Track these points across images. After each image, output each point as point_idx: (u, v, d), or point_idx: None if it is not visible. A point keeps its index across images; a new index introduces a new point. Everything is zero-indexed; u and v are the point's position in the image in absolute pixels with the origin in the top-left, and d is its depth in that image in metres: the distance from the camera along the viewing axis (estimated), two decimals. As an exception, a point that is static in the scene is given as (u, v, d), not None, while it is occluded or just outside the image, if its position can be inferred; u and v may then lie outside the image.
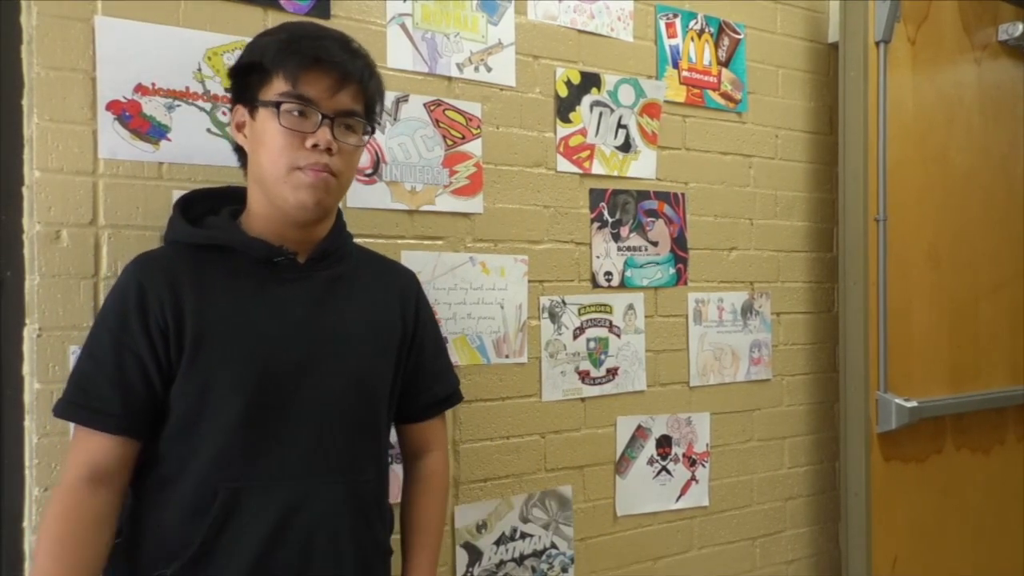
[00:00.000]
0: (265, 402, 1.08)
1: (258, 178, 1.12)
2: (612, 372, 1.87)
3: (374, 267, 1.28)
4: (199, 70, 1.38)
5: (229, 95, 1.19)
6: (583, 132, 1.84)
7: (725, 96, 2.06)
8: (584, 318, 1.84)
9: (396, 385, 1.25)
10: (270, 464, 1.08)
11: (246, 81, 1.11)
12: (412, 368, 1.28)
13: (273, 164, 1.08)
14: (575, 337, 1.82)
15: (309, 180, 1.08)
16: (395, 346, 1.23)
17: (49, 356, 1.27)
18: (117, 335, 1.05)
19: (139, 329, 1.05)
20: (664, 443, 1.96)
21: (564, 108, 1.81)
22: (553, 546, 1.79)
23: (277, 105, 1.06)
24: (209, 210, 1.19)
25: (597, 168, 1.86)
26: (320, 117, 1.08)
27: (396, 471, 1.39)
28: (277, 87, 1.07)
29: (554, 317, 1.79)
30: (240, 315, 1.09)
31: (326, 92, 1.08)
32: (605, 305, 1.87)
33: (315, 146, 1.07)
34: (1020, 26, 2.29)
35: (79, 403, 1.05)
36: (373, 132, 1.19)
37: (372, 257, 1.31)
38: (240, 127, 1.14)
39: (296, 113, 1.07)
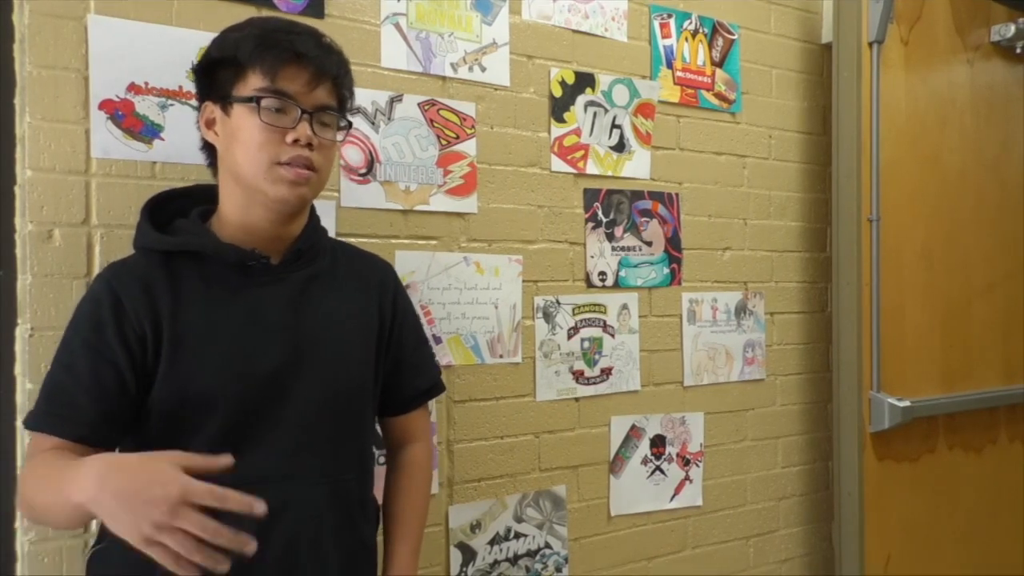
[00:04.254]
0: (245, 408, 1.07)
1: (234, 175, 1.10)
2: (606, 372, 1.87)
3: (350, 262, 1.27)
4: (192, 69, 1.38)
5: (196, 93, 1.16)
6: (577, 132, 1.84)
7: (719, 96, 2.06)
8: (578, 318, 1.84)
9: (377, 380, 1.25)
10: (251, 467, 1.06)
11: (217, 77, 1.10)
12: (393, 361, 1.27)
13: (252, 161, 1.06)
14: (569, 337, 1.82)
15: (290, 176, 1.07)
16: (374, 341, 1.23)
17: (41, 356, 1.27)
18: (93, 345, 1.03)
19: (116, 339, 1.03)
20: (658, 443, 1.96)
21: (558, 108, 1.81)
22: (547, 546, 1.79)
23: (257, 101, 1.05)
24: (177, 212, 1.17)
25: (591, 168, 1.86)
26: (299, 112, 1.07)
27: (380, 471, 1.39)
28: (254, 83, 1.06)
29: (548, 317, 1.80)
30: (217, 321, 1.08)
31: (304, 87, 1.07)
32: (599, 305, 1.87)
33: (296, 141, 1.06)
34: (1012, 27, 2.30)
35: (52, 413, 1.02)
36: (349, 127, 1.18)
37: (348, 251, 1.30)
38: (210, 124, 1.12)
39: (275, 109, 1.06)
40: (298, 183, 1.08)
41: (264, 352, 1.10)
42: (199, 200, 1.19)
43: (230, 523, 1.05)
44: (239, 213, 1.12)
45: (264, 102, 1.05)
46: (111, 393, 1.03)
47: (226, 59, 1.08)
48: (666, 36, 1.97)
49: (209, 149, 1.17)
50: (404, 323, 1.30)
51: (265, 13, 1.44)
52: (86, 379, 1.02)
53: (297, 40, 1.07)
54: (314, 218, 1.22)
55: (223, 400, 1.06)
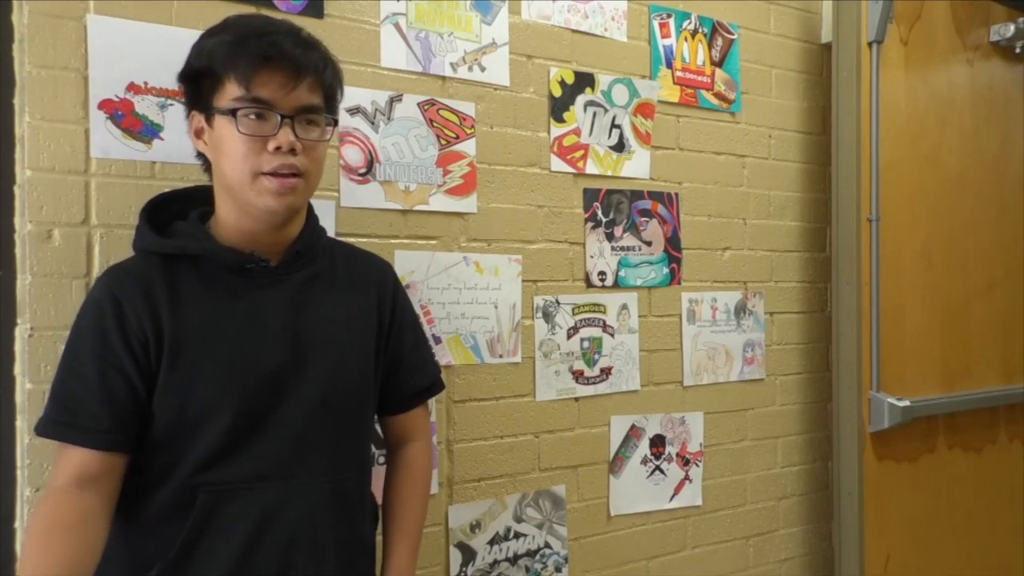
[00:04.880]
0: (245, 410, 1.07)
1: (224, 186, 1.10)
2: (606, 372, 1.87)
3: (349, 262, 1.26)
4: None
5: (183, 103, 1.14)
6: (577, 132, 1.84)
7: (719, 96, 2.06)
8: (578, 318, 1.84)
9: (377, 379, 1.25)
10: (251, 467, 1.07)
11: (198, 87, 1.08)
12: (392, 360, 1.27)
13: (237, 171, 1.05)
14: (569, 337, 1.82)
15: (275, 187, 1.05)
16: (373, 340, 1.23)
17: (41, 356, 1.27)
18: (99, 352, 1.03)
19: (121, 345, 1.03)
20: (658, 443, 1.96)
21: (558, 108, 1.81)
22: (547, 546, 1.79)
23: (233, 112, 1.03)
24: (177, 214, 1.16)
25: (591, 168, 1.86)
26: (279, 118, 1.05)
27: (380, 471, 1.39)
28: (231, 92, 1.04)
29: (548, 317, 1.79)
30: (217, 324, 1.08)
31: (281, 90, 1.04)
32: (599, 305, 1.87)
33: (278, 149, 1.04)
34: (1012, 27, 2.30)
35: (67, 422, 1.02)
36: (336, 124, 1.16)
37: (346, 251, 1.29)
38: (199, 134, 1.11)
39: (253, 117, 1.04)
40: (283, 193, 1.06)
41: (265, 354, 1.10)
42: (198, 202, 1.18)
43: (228, 523, 1.06)
44: (234, 219, 1.12)
45: (240, 112, 1.03)
46: (123, 401, 1.03)
47: (203, 69, 1.07)
48: (666, 36, 1.97)
49: (204, 155, 1.16)
50: (403, 322, 1.30)
51: (264, 13, 1.44)
52: (97, 388, 1.02)
53: (270, 42, 1.04)
54: (312, 219, 1.22)
55: (225, 403, 1.06)
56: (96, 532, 1.00)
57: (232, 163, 1.06)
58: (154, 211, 1.16)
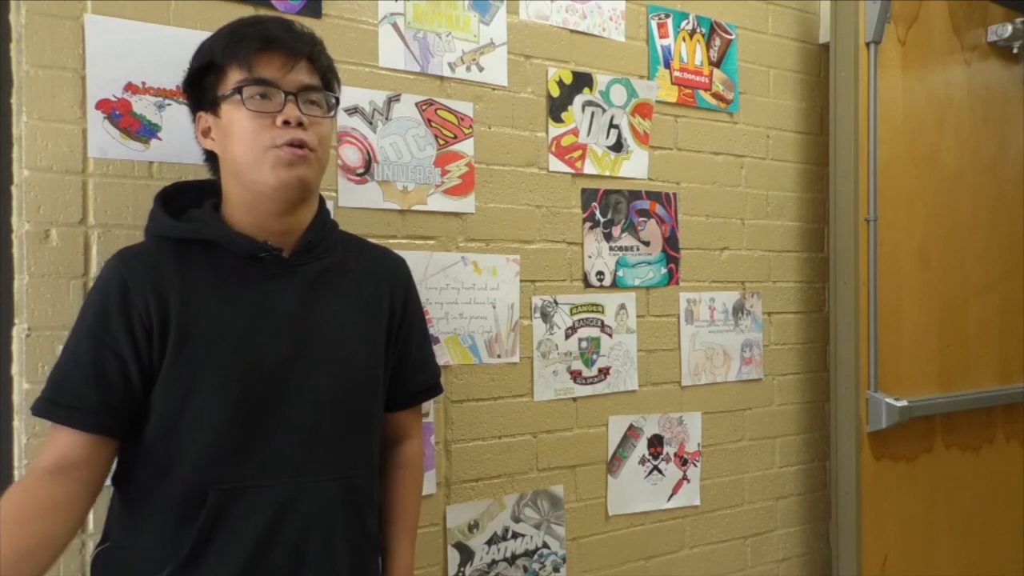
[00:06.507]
0: (252, 402, 1.07)
1: (235, 173, 1.10)
2: (604, 372, 1.88)
3: (362, 256, 1.26)
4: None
5: (188, 108, 1.18)
6: (575, 132, 1.84)
7: (716, 96, 2.07)
8: (576, 318, 1.84)
9: (386, 374, 1.25)
10: (260, 464, 1.07)
11: (202, 87, 1.11)
12: (399, 357, 1.27)
13: (247, 151, 1.07)
14: (567, 337, 1.82)
15: (287, 157, 1.07)
16: (383, 336, 1.23)
17: (38, 356, 1.27)
18: (97, 333, 1.03)
19: (121, 328, 1.03)
20: (656, 442, 1.96)
21: (556, 108, 1.81)
22: (545, 546, 1.79)
23: (239, 91, 1.06)
24: (191, 203, 1.17)
25: (589, 168, 1.86)
26: (283, 95, 1.08)
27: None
28: (234, 78, 1.07)
29: (546, 317, 1.80)
30: (225, 313, 1.08)
31: (281, 71, 1.08)
32: (597, 305, 1.87)
33: (286, 123, 1.07)
34: (1009, 27, 2.30)
35: (56, 401, 1.02)
36: (337, 104, 1.18)
37: (360, 245, 1.29)
38: (206, 133, 1.13)
39: (259, 96, 1.07)
40: (295, 163, 1.07)
41: (272, 345, 1.09)
42: (210, 194, 1.19)
43: (240, 522, 1.06)
44: (246, 210, 1.12)
45: (246, 91, 1.06)
46: (114, 384, 1.03)
47: (204, 65, 1.10)
48: (664, 36, 1.97)
49: (212, 161, 1.17)
50: (413, 320, 1.30)
51: (263, 13, 1.44)
52: (88, 367, 1.02)
53: (265, 28, 1.09)
54: (324, 211, 1.22)
55: (228, 394, 1.05)
56: (61, 524, 0.99)
57: (242, 143, 1.07)
58: (168, 199, 1.17)
